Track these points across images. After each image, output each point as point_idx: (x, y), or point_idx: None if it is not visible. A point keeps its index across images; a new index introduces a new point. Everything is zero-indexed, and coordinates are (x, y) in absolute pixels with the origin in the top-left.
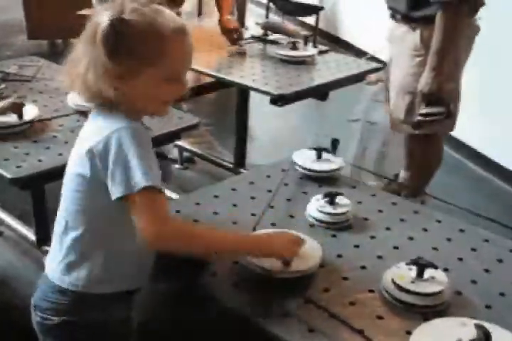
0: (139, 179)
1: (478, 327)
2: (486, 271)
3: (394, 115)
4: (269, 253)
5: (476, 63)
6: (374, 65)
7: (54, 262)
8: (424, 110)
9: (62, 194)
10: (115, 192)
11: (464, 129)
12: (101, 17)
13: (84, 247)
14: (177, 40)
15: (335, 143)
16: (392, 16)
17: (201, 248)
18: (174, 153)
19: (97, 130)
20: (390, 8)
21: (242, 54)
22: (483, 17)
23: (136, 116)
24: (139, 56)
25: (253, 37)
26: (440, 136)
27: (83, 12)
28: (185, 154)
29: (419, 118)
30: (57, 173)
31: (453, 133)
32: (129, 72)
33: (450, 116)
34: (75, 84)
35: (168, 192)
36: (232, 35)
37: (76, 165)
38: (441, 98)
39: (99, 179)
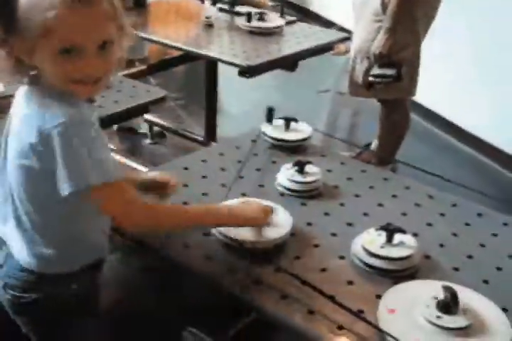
0: (93, 177)
1: (445, 288)
2: (454, 235)
3: (353, 80)
4: (242, 223)
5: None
6: (342, 34)
7: (14, 241)
8: (375, 71)
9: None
10: (66, 188)
11: (433, 98)
12: None
13: (37, 230)
14: (65, 7)
15: (270, 111)
16: None
17: (173, 225)
18: (144, 128)
19: (35, 120)
20: None
21: (209, 26)
22: None
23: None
24: (30, 28)
25: (220, 9)
26: (404, 102)
27: None
28: (156, 129)
29: (370, 78)
30: None
31: (422, 102)
32: (30, 47)
33: (400, 80)
34: None
35: (139, 167)
36: None
37: (19, 157)
38: (392, 61)
39: (45, 172)
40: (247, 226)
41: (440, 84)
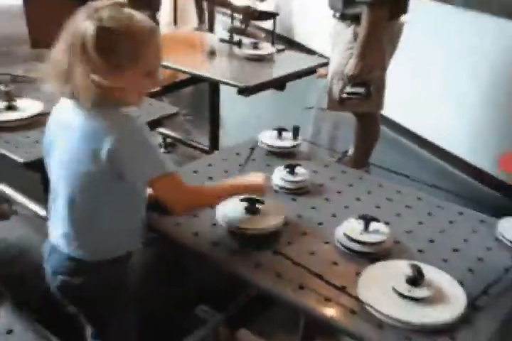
0: (166, 165)
1: (412, 266)
2: (419, 223)
3: (331, 97)
4: (256, 189)
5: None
6: (322, 60)
7: (59, 233)
8: (348, 89)
9: (62, 173)
10: (149, 174)
11: (398, 112)
12: (81, 25)
13: (85, 221)
14: (151, 40)
15: (296, 129)
16: (333, 15)
17: (211, 201)
18: (159, 140)
19: (98, 129)
20: (331, 7)
21: (212, 54)
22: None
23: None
24: (123, 57)
25: (221, 40)
26: (374, 115)
27: None
28: (168, 140)
29: (344, 95)
30: None
31: (389, 115)
32: (117, 71)
33: (369, 96)
34: (66, 87)
35: None
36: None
37: (80, 163)
38: (363, 81)
39: (105, 174)
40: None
41: (404, 101)
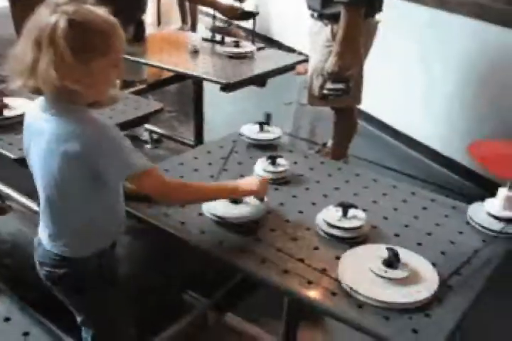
0: (140, 163)
1: (389, 249)
2: (395, 209)
3: (311, 92)
4: (248, 194)
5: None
6: (301, 57)
7: (42, 230)
8: (328, 86)
9: (39, 174)
10: (128, 171)
11: (375, 106)
12: (49, 19)
13: (63, 220)
14: (117, 32)
15: (268, 116)
16: (311, 15)
17: (195, 198)
18: (146, 136)
19: (68, 132)
20: (309, 7)
21: (195, 52)
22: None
23: (84, 101)
24: (93, 49)
25: (204, 39)
26: (352, 110)
27: None
28: (155, 136)
29: (325, 91)
30: None
31: (367, 109)
32: (87, 64)
33: (348, 92)
34: (30, 81)
35: None
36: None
37: (52, 166)
38: (342, 77)
39: (78, 175)
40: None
41: (380, 96)
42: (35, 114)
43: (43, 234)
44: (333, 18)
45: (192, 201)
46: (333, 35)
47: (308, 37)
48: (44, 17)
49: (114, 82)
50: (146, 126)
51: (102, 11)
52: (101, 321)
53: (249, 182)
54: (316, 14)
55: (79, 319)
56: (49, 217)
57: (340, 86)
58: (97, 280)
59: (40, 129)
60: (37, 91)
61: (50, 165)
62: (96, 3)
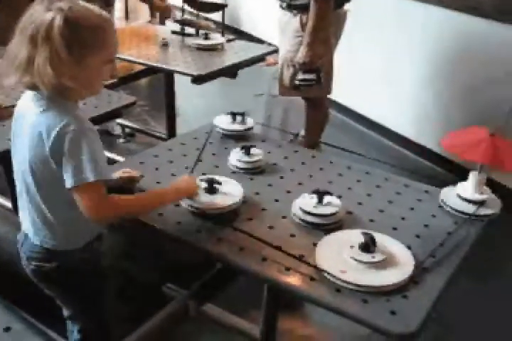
0: (89, 174)
1: (364, 234)
2: (368, 195)
3: (282, 83)
4: (190, 192)
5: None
6: (271, 48)
7: (26, 223)
8: (300, 76)
9: (21, 166)
10: (68, 182)
11: (347, 96)
12: (44, 16)
13: (44, 213)
14: (111, 28)
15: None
16: (280, 5)
17: (138, 211)
18: (118, 130)
19: (45, 119)
20: None
21: (165, 45)
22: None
23: (78, 97)
24: (88, 45)
25: (173, 32)
26: (323, 99)
27: None
28: (127, 130)
29: (296, 82)
30: None
31: (338, 100)
32: (82, 60)
33: (319, 82)
34: (25, 78)
35: (116, 157)
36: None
37: (31, 158)
38: (313, 68)
39: (51, 167)
40: (185, 196)
41: (351, 85)
42: (26, 107)
43: (28, 227)
44: (303, 9)
45: (138, 211)
46: (303, 25)
47: (278, 28)
48: (39, 14)
49: (107, 77)
50: (118, 120)
51: (94, 7)
52: (89, 314)
53: (185, 180)
54: (284, 5)
55: (66, 313)
56: (32, 210)
57: (311, 76)
58: (86, 273)
59: (30, 122)
60: (32, 87)
61: (28, 157)
62: None
